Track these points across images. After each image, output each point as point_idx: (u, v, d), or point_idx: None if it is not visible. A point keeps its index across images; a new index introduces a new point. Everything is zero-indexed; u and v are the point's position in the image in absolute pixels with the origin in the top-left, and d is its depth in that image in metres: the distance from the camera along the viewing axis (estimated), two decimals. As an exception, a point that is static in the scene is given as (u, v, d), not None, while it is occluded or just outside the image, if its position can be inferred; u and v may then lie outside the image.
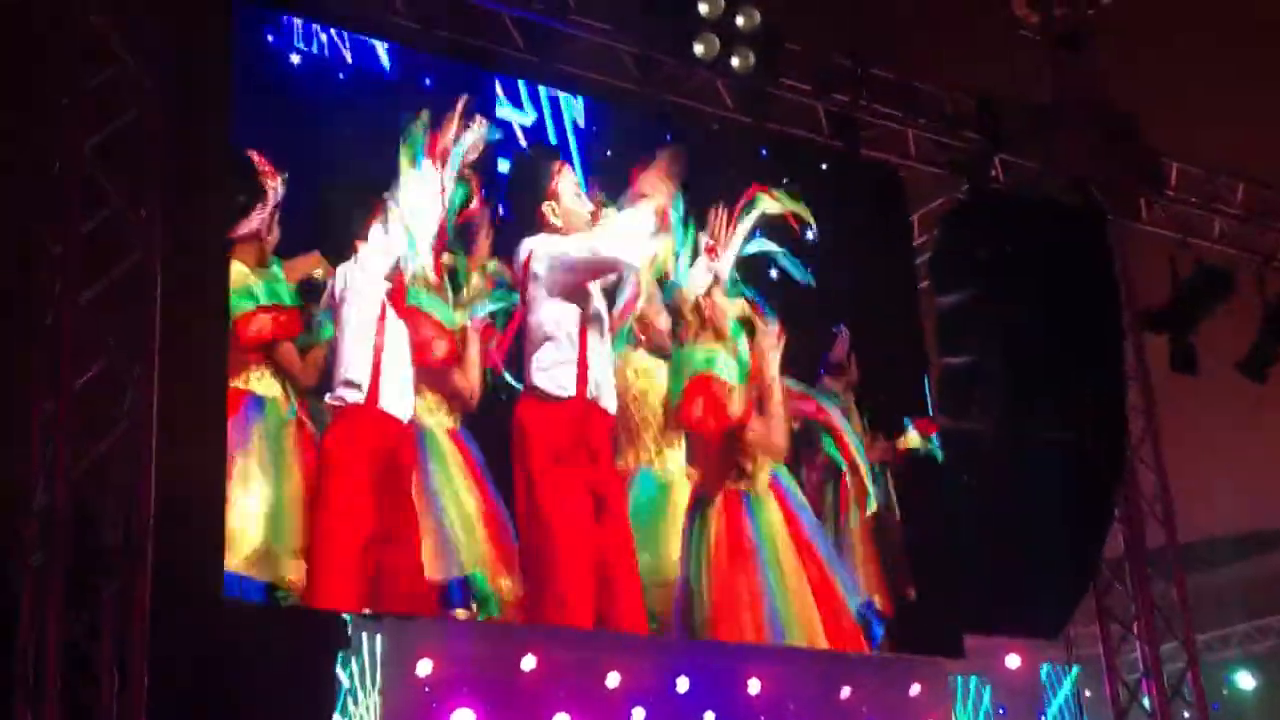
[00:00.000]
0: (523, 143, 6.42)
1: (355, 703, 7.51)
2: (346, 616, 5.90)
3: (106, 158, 5.33)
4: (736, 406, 6.37)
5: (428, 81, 6.27)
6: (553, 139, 6.55)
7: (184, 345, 5.34)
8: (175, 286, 5.34)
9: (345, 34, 6.08)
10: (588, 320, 5.90)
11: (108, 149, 5.34)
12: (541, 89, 6.57)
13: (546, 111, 6.57)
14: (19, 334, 5.29)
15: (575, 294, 5.89)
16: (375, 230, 5.77)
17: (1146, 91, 8.05)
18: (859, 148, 7.45)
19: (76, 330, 5.12)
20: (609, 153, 6.58)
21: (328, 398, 5.59)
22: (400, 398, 5.68)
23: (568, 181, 6.09)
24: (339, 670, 6.94)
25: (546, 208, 5.97)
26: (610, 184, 6.22)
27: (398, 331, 5.72)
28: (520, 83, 6.55)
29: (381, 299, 5.70)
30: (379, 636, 7.34)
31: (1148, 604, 8.09)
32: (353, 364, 5.58)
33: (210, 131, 5.58)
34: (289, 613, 5.35)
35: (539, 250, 5.91)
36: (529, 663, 8.79)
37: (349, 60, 6.08)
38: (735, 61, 6.81)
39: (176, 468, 5.17)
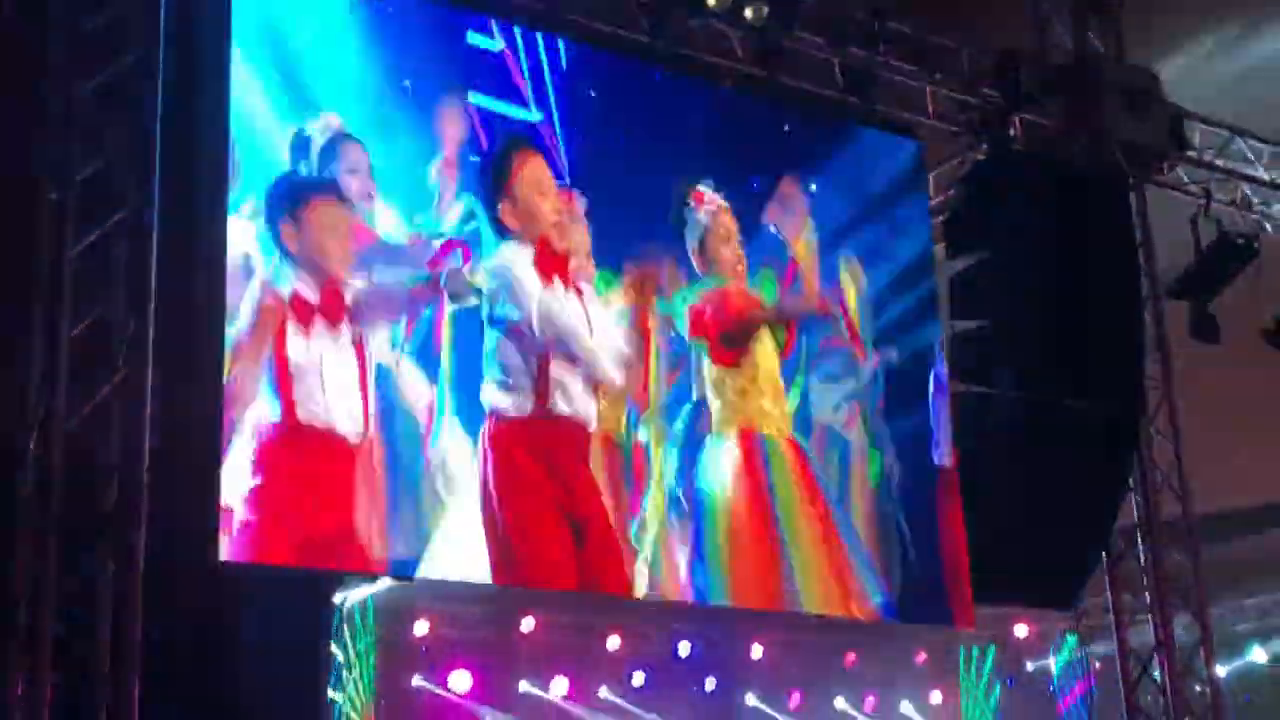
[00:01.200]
0: (483, 144, 5.94)
1: (352, 660, 7.46)
2: (341, 575, 5.83)
3: (106, 104, 5.22)
4: None
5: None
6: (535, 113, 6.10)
7: (181, 296, 5.24)
8: (173, 235, 5.23)
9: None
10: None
11: (109, 92, 5.22)
12: (527, 77, 6.16)
13: (530, 93, 6.12)
14: (15, 283, 5.19)
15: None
16: None
17: (1168, 52, 7.84)
18: (875, 103, 7.29)
19: (73, 279, 5.02)
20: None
21: None
22: None
23: (530, 175, 5.67)
24: (334, 629, 6.90)
25: (504, 207, 5.63)
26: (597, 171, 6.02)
27: None
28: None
29: None
30: (374, 597, 7.29)
31: (1161, 575, 7.96)
32: None
33: (210, 78, 5.46)
34: (283, 571, 5.28)
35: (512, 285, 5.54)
36: (528, 624, 8.75)
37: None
38: (748, 12, 6.65)
39: (173, 421, 5.09)
